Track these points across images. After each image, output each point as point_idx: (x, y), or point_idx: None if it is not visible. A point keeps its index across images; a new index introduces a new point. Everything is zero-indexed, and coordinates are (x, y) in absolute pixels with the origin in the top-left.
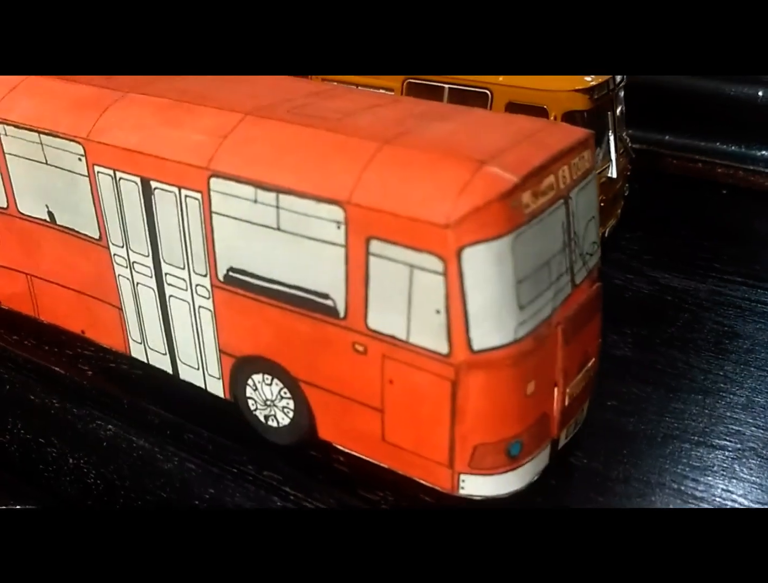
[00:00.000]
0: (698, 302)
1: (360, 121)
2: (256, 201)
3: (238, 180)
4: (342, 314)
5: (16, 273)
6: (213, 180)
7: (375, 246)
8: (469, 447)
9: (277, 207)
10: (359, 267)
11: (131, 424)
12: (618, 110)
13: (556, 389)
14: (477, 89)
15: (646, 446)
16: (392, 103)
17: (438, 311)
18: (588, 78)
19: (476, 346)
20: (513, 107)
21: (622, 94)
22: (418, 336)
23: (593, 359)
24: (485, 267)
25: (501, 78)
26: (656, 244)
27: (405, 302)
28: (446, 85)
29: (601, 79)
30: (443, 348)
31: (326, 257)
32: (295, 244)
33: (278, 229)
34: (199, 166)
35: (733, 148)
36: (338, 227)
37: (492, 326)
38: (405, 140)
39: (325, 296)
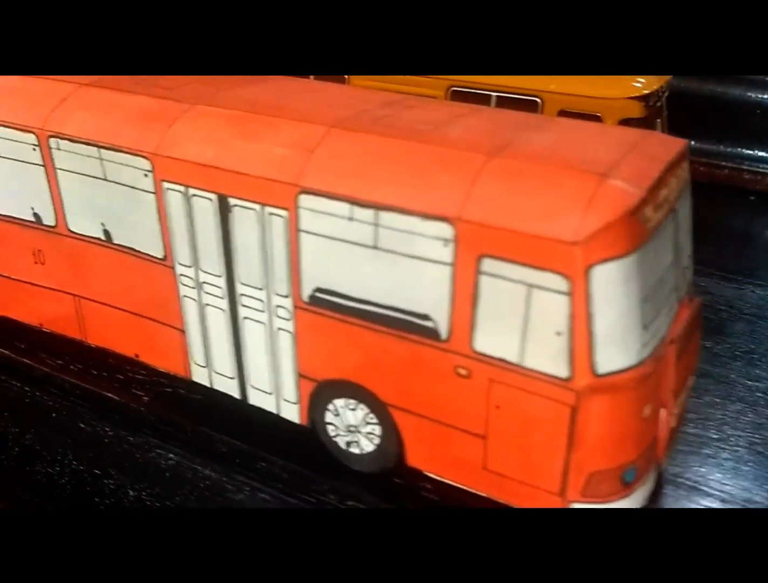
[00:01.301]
0: (755, 310)
1: (453, 133)
2: (351, 218)
3: (331, 196)
4: (444, 336)
5: (62, 294)
6: (302, 197)
7: (487, 264)
8: (584, 475)
9: (375, 224)
10: (467, 286)
11: (195, 452)
12: (664, 117)
13: (664, 410)
14: (526, 97)
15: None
16: (475, 113)
17: (559, 333)
18: (637, 83)
19: (600, 369)
20: (565, 115)
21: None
22: (534, 359)
23: (693, 377)
24: (614, 286)
25: (552, 85)
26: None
27: (519, 324)
28: (493, 93)
29: (654, 86)
30: (563, 372)
31: (429, 276)
32: (394, 263)
33: (375, 247)
34: (286, 182)
35: (760, 153)
36: (445, 245)
37: (618, 348)
38: (511, 152)
39: (425, 317)
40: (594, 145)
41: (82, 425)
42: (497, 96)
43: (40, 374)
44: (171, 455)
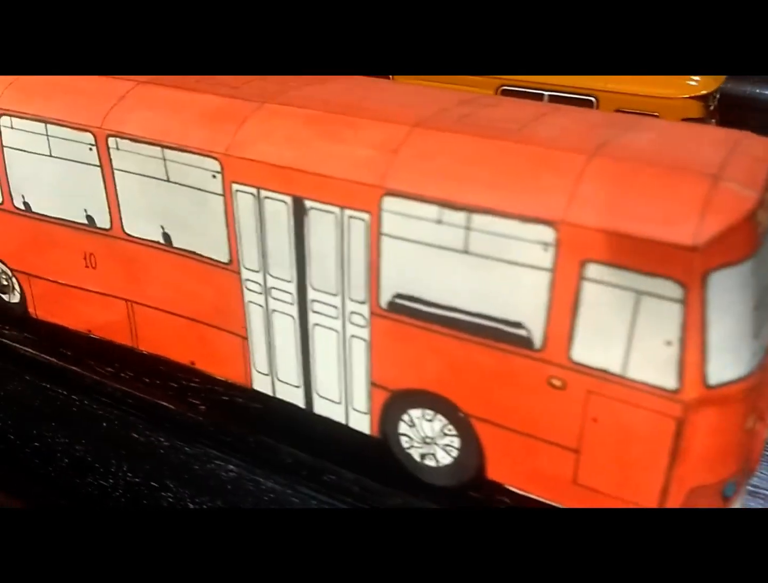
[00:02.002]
0: None
1: (543, 132)
2: (439, 221)
3: (419, 199)
4: (538, 345)
5: (114, 300)
6: (387, 199)
7: (592, 270)
8: (685, 489)
9: (467, 228)
10: (568, 293)
11: (257, 464)
12: (717, 118)
13: (760, 421)
14: (580, 96)
15: None
16: (558, 112)
17: (669, 343)
18: (693, 82)
19: (712, 380)
20: None
21: None
22: (639, 370)
23: None
24: (730, 293)
25: (609, 84)
26: None
27: (625, 333)
28: (546, 93)
29: (712, 86)
30: (671, 383)
31: (525, 283)
32: (485, 269)
33: (465, 252)
34: (370, 184)
35: None
36: (545, 249)
37: (730, 358)
38: (612, 152)
39: (518, 325)
40: (694, 145)
41: (135, 435)
42: (550, 95)
43: (89, 382)
44: (231, 467)
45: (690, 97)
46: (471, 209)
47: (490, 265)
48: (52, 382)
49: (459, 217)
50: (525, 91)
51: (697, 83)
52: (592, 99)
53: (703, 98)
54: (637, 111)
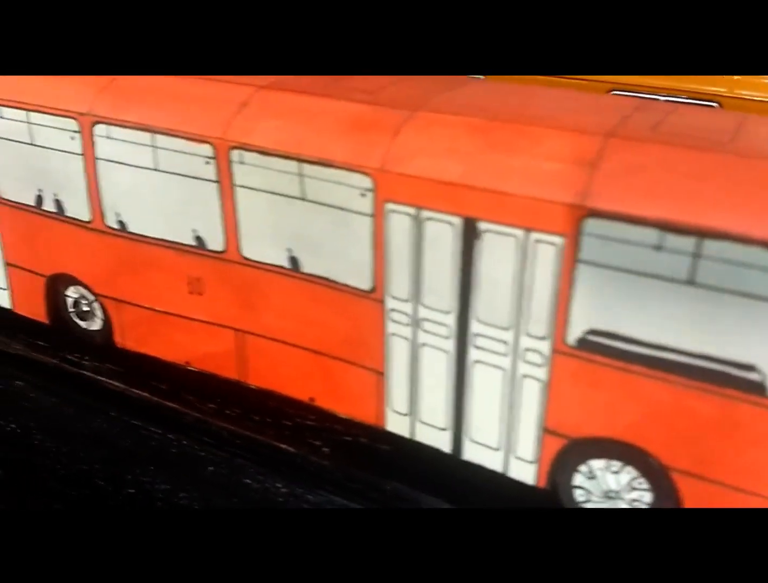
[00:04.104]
0: None
1: (756, 144)
2: (659, 247)
3: (634, 221)
4: None
5: (221, 329)
6: (590, 221)
7: None
8: None
9: (695, 255)
10: None
11: None
12: None
13: None
14: (702, 102)
15: None
16: (750, 119)
17: None
18: None
19: None
20: None
21: None
22: None
23: None
24: None
25: (736, 88)
26: None
27: None
28: (661, 97)
29: None
30: None
31: (764, 319)
32: (715, 303)
33: (691, 283)
34: (566, 203)
35: None
36: None
37: None
38: None
39: (749, 368)
40: None
41: (247, 481)
42: (665, 100)
43: (189, 421)
44: None
45: None
46: (703, 233)
47: (722, 299)
48: (145, 419)
49: (685, 242)
50: (637, 96)
51: None
52: (714, 105)
53: None
54: None
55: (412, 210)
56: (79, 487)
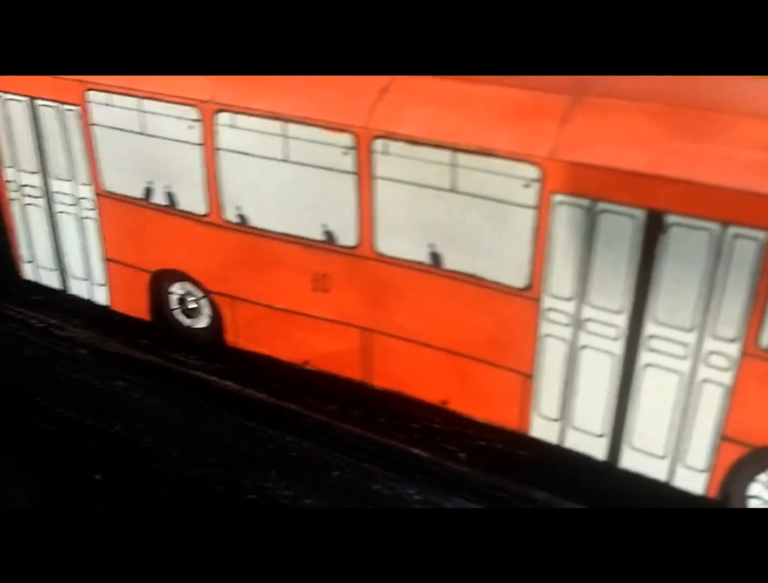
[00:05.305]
0: None
1: None
2: None
3: None
4: None
5: (347, 328)
6: None
7: None
8: None
9: None
10: None
11: None
12: None
13: None
14: None
15: None
16: None
17: None
18: None
19: None
20: None
21: None
22: None
23: None
24: None
25: None
26: None
27: None
28: None
29: None
30: None
31: None
32: None
33: None
34: None
35: None
36: None
37: None
38: None
39: None
40: None
41: (376, 488)
42: None
43: (309, 423)
44: None
45: None
46: None
47: None
48: (261, 421)
49: None
50: None
51: None
52: None
53: None
54: None
55: (585, 202)
56: (195, 492)
